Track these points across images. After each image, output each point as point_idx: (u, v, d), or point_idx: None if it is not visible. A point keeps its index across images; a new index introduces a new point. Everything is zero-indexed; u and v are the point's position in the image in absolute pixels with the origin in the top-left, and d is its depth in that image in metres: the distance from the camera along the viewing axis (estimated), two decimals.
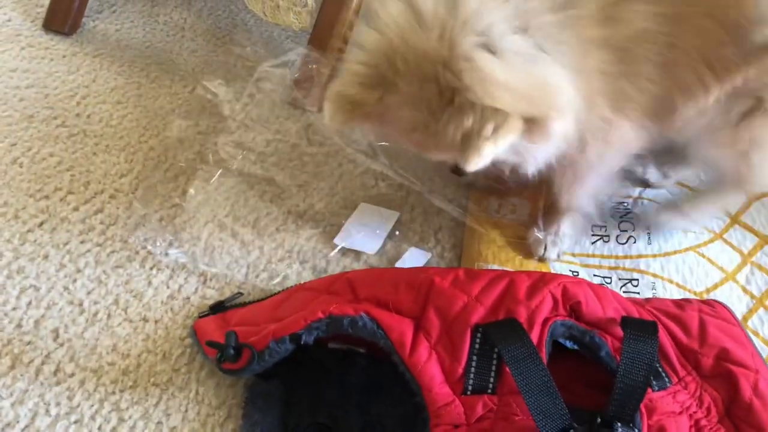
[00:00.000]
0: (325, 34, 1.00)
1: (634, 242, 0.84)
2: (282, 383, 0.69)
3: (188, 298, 0.78)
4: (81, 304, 0.75)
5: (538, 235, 0.82)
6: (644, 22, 0.58)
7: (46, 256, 0.79)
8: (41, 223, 0.82)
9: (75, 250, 0.80)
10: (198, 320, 0.74)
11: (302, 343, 0.61)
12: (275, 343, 0.61)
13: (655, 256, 0.83)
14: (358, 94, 0.57)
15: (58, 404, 0.67)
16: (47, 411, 0.66)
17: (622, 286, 0.80)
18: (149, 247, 0.81)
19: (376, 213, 0.89)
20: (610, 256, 0.84)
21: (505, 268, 0.80)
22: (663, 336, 0.61)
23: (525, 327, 0.57)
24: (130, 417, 0.67)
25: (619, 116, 0.63)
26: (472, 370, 0.56)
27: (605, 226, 0.86)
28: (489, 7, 0.53)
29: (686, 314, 0.64)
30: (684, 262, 0.82)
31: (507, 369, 0.54)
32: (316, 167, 0.95)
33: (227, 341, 0.63)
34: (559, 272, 0.81)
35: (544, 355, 0.56)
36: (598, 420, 0.52)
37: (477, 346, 0.57)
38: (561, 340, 0.61)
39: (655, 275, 0.81)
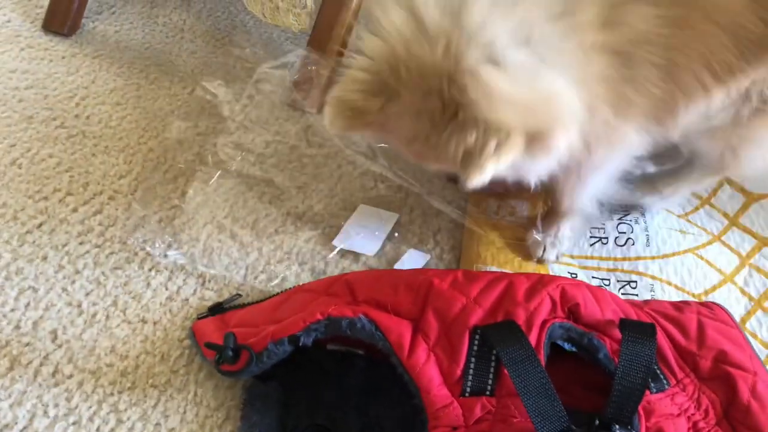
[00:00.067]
0: (325, 35, 1.00)
1: (633, 244, 0.84)
2: (280, 385, 0.69)
3: (187, 299, 0.78)
4: (79, 306, 0.75)
5: (537, 237, 0.82)
6: (645, 25, 0.58)
7: (44, 258, 0.79)
8: (40, 225, 0.82)
9: (74, 251, 0.80)
10: (197, 322, 0.74)
11: (301, 344, 0.61)
12: (274, 344, 0.61)
13: (653, 258, 0.83)
14: (360, 101, 0.57)
15: (56, 405, 0.67)
16: (45, 412, 0.66)
17: (620, 288, 0.80)
18: (148, 249, 0.81)
19: (375, 214, 0.89)
20: (608, 258, 0.84)
21: (504, 270, 0.80)
22: (661, 338, 0.61)
23: (523, 329, 0.57)
24: (128, 418, 0.67)
25: (622, 120, 0.63)
26: (471, 371, 0.56)
27: (603, 228, 0.87)
28: (493, 19, 0.53)
29: (684, 316, 0.64)
30: (682, 264, 0.82)
31: (505, 371, 0.54)
32: (315, 169, 0.95)
33: (226, 343, 0.63)
34: (557, 274, 0.81)
35: (543, 357, 0.56)
36: (596, 422, 0.52)
37: (475, 347, 0.57)
38: (559, 342, 0.61)
39: (653, 277, 0.81)
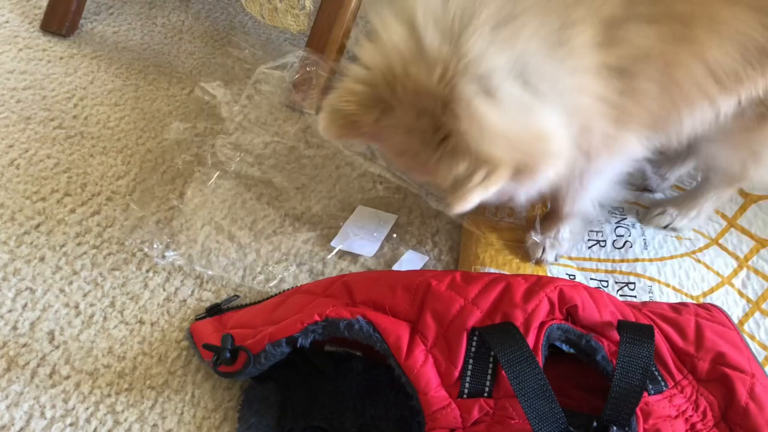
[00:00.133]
0: (323, 36, 1.00)
1: (631, 247, 0.84)
2: (278, 386, 0.69)
3: (185, 300, 0.78)
4: (77, 307, 0.75)
5: (536, 238, 0.82)
6: (645, 41, 0.57)
7: (42, 258, 0.79)
8: (38, 225, 0.82)
9: (71, 252, 0.80)
10: (194, 323, 0.74)
11: (298, 346, 0.61)
12: (271, 346, 0.61)
13: (651, 260, 0.83)
14: (354, 112, 0.57)
15: (53, 407, 0.67)
16: (42, 413, 0.66)
17: (618, 290, 0.80)
18: (146, 250, 0.81)
19: (373, 216, 0.89)
20: (606, 260, 0.84)
21: (502, 272, 0.80)
22: (659, 340, 0.61)
23: (521, 330, 0.57)
24: (125, 420, 0.66)
25: (622, 131, 0.64)
26: (469, 373, 0.56)
27: (601, 231, 0.87)
28: (492, 51, 0.52)
29: (683, 318, 0.64)
30: (680, 267, 0.82)
31: (503, 372, 0.54)
32: (313, 170, 0.95)
33: (223, 344, 0.63)
34: (556, 275, 0.81)
35: (541, 359, 0.56)
36: (594, 424, 0.52)
37: (473, 349, 0.57)
38: (557, 344, 0.61)
39: (651, 279, 0.81)
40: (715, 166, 0.81)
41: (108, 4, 1.19)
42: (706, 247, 0.85)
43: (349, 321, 0.60)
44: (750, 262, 0.83)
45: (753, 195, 0.90)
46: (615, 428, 0.51)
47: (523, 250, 0.84)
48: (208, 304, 0.77)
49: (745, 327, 0.77)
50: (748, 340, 0.72)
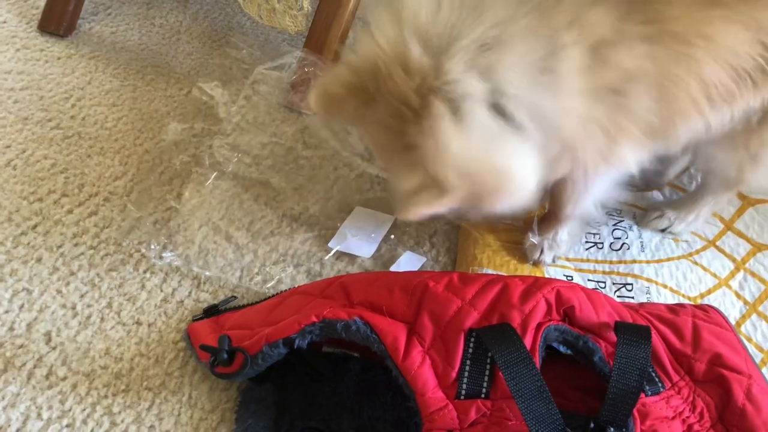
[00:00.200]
0: (321, 37, 1.00)
1: (628, 249, 0.85)
2: (275, 387, 0.69)
3: (182, 301, 0.78)
4: (74, 308, 0.75)
5: (534, 240, 0.82)
6: (635, 62, 0.57)
7: (39, 259, 0.79)
8: (35, 226, 0.82)
9: (68, 253, 0.80)
10: (191, 324, 0.74)
11: (296, 347, 0.61)
12: (269, 347, 0.61)
13: (648, 261, 0.83)
14: (340, 95, 0.58)
15: (50, 408, 0.66)
16: (39, 415, 0.66)
17: (616, 291, 0.80)
18: (143, 251, 0.81)
19: (371, 217, 0.89)
20: (604, 261, 0.84)
21: (500, 273, 0.80)
22: (656, 341, 0.61)
23: (518, 331, 0.57)
24: (122, 421, 0.66)
25: (618, 146, 0.64)
26: (466, 374, 0.56)
27: (599, 233, 0.87)
28: (469, 76, 0.52)
29: (680, 319, 0.64)
30: (678, 268, 0.83)
31: (500, 374, 0.54)
32: (311, 171, 0.95)
33: (221, 345, 0.63)
34: (553, 277, 0.81)
35: (538, 360, 0.56)
36: (591, 425, 0.52)
37: (470, 350, 0.57)
38: (554, 345, 0.61)
39: (649, 280, 0.81)
40: (713, 168, 0.81)
41: (106, 4, 1.19)
42: (703, 249, 0.85)
43: (346, 322, 0.60)
44: (747, 265, 0.84)
45: (750, 198, 0.90)
46: (612, 429, 0.52)
47: (520, 252, 0.84)
48: (205, 305, 0.77)
49: (742, 329, 0.77)
50: (745, 341, 0.72)
